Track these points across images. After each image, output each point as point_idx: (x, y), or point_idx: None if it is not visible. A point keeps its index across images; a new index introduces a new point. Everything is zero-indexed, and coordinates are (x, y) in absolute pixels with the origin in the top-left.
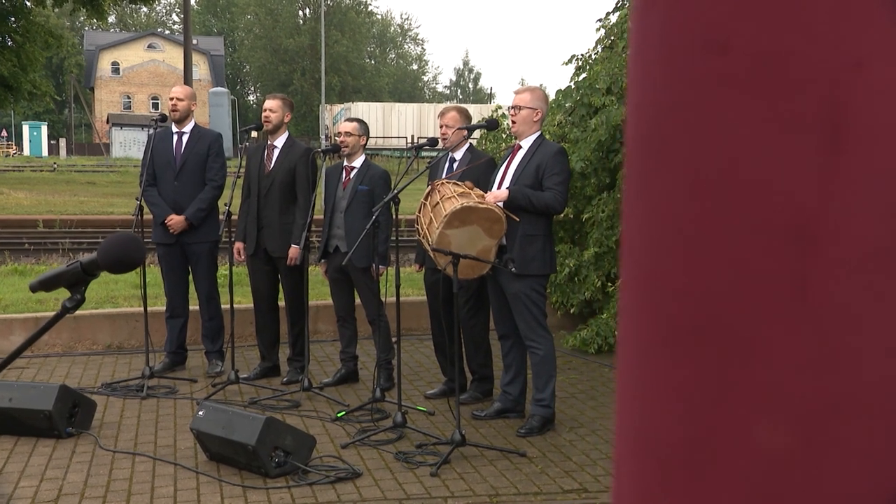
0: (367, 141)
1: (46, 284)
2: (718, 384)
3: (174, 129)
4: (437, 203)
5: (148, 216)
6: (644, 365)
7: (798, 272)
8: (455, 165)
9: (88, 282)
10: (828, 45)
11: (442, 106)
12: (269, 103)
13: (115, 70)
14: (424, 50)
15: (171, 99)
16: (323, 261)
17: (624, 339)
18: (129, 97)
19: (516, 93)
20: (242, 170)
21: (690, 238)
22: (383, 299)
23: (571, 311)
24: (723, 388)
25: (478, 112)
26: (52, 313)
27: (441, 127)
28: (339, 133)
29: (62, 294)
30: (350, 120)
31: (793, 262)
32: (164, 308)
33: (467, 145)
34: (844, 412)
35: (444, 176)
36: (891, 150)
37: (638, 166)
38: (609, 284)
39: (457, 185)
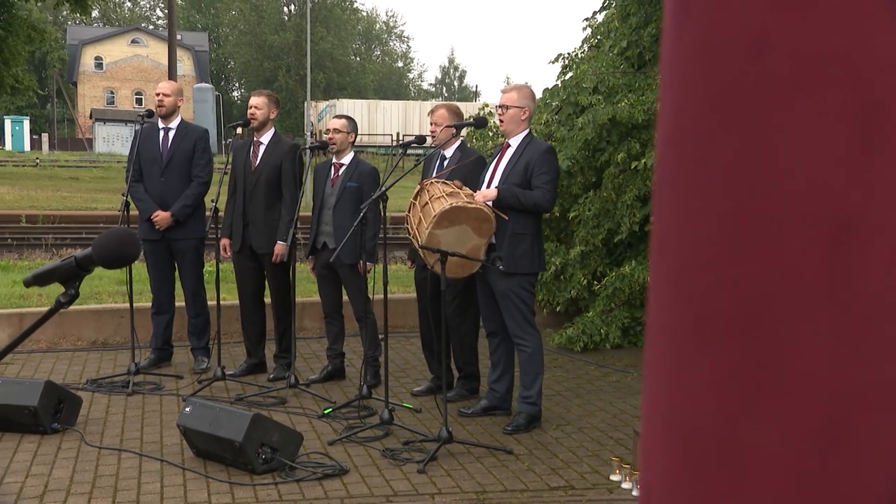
0: (355, 138)
1: (41, 279)
2: (752, 375)
3: (160, 124)
4: (427, 203)
5: (134, 212)
6: (676, 356)
7: (834, 269)
8: (446, 163)
9: (82, 277)
10: (866, 45)
11: (428, 104)
12: (255, 100)
13: (99, 65)
14: (410, 47)
15: (158, 95)
16: (311, 257)
17: (655, 330)
18: (112, 92)
19: (503, 92)
20: (229, 166)
21: (726, 234)
22: (371, 296)
23: (557, 309)
24: (757, 379)
25: (463, 110)
26: (36, 309)
27: (431, 125)
28: (328, 130)
29: (48, 290)
30: (339, 117)
31: (829, 258)
32: (149, 304)
33: (458, 143)
34: (870, 408)
35: (435, 174)
36: None
37: (673, 163)
38: (595, 283)
39: (445, 184)
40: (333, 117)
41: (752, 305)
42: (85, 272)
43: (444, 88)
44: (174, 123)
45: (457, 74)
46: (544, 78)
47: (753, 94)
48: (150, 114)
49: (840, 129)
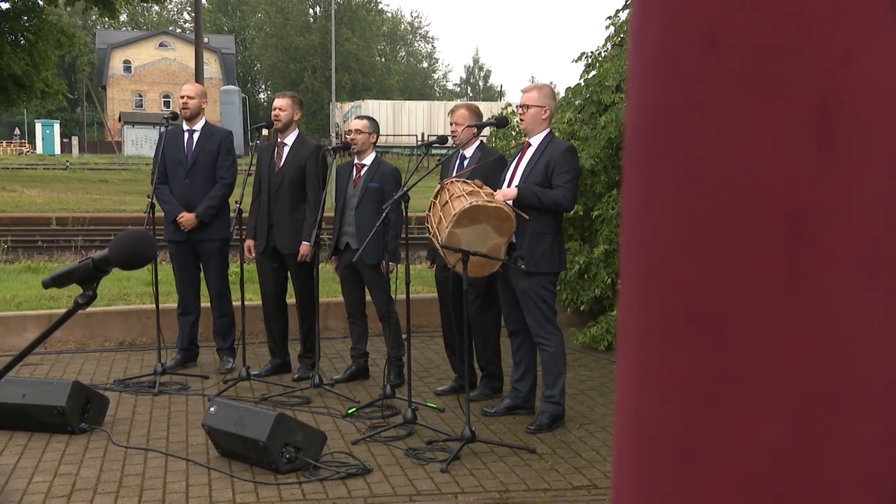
0: (377, 138)
1: (59, 281)
2: (714, 377)
3: (185, 126)
4: (447, 202)
5: (159, 213)
6: (641, 357)
7: (792, 265)
8: (465, 163)
9: (100, 278)
10: (818, 39)
11: (453, 104)
12: (279, 101)
13: (127, 68)
14: (435, 48)
15: (182, 97)
16: (334, 257)
17: (623, 332)
18: (140, 95)
19: (523, 91)
20: (253, 168)
21: (687, 231)
22: (393, 296)
23: (581, 308)
24: (718, 381)
25: (488, 109)
26: (66, 310)
27: (451, 124)
28: (350, 131)
29: (76, 291)
30: (360, 118)
31: (787, 255)
32: (175, 305)
33: (478, 143)
34: (839, 406)
35: (454, 173)
36: (882, 143)
37: (637, 161)
38: (619, 282)
39: (466, 183)
40: (354, 118)
41: (711, 305)
42: (102, 273)
43: (469, 88)
44: (199, 125)
45: (482, 74)
46: (568, 77)
47: (709, 89)
48: (174, 116)
49: (795, 124)
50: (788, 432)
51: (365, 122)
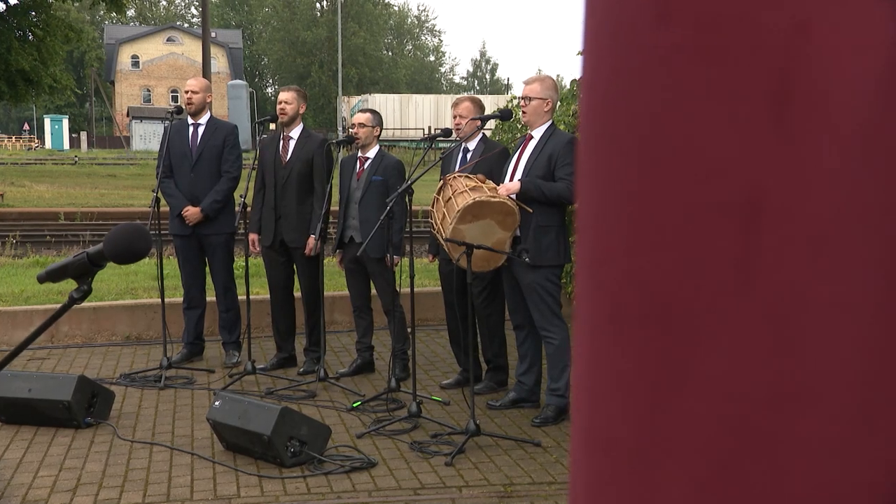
0: (380, 132)
1: (53, 275)
2: (664, 373)
3: (190, 121)
4: (450, 198)
5: (165, 208)
6: (592, 354)
7: (746, 253)
8: (469, 156)
9: (95, 272)
10: (772, 7)
11: (457, 97)
12: (284, 95)
13: (135, 63)
14: (441, 41)
15: (186, 92)
16: (338, 251)
17: (576, 327)
18: (148, 90)
19: (526, 83)
20: (256, 162)
21: (635, 218)
22: (398, 289)
23: None
24: (668, 378)
25: (493, 103)
26: (61, 305)
27: (455, 117)
28: (353, 125)
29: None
30: (363, 111)
31: (740, 242)
32: (181, 299)
33: (481, 136)
34: (794, 404)
35: (457, 166)
36: (840, 119)
37: (588, 142)
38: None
39: (469, 178)
40: (357, 111)
41: (660, 297)
42: (97, 268)
43: (476, 82)
44: (203, 119)
45: (488, 67)
46: (575, 69)
47: (659, 66)
48: (179, 110)
49: (750, 101)
50: (741, 432)
51: (368, 115)
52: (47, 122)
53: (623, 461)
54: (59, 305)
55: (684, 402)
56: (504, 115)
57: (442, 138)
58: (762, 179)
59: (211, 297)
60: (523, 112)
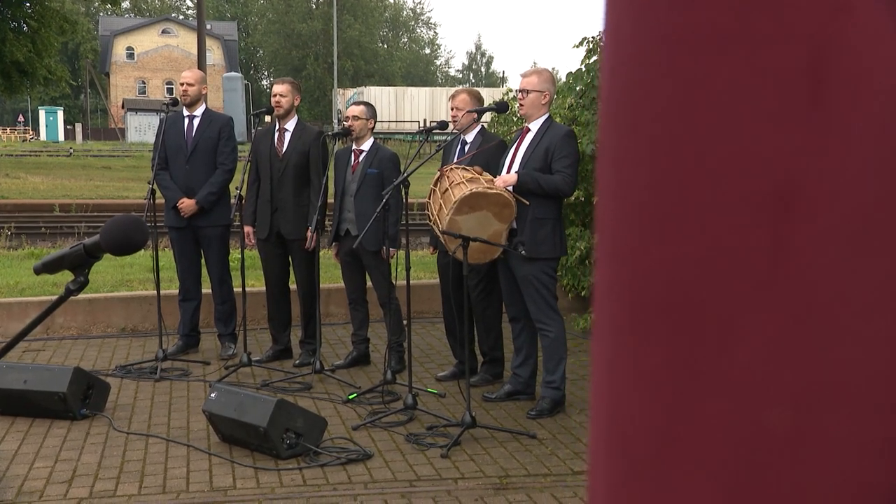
0: (374, 124)
1: (50, 266)
2: (689, 370)
3: (185, 112)
4: (447, 189)
5: (160, 200)
6: (614, 350)
7: (778, 245)
8: (466, 148)
9: (91, 264)
10: None
11: (454, 90)
12: (279, 87)
13: (130, 55)
14: (437, 34)
15: (182, 83)
16: (334, 244)
17: (597, 322)
18: (143, 82)
19: (523, 76)
20: (252, 154)
21: (658, 209)
22: (394, 282)
23: (582, 293)
24: (694, 374)
25: (489, 95)
26: (58, 296)
27: (452, 109)
28: (347, 117)
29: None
30: (357, 103)
31: (770, 234)
32: (177, 291)
33: (479, 128)
34: (828, 404)
35: (455, 158)
36: (878, 104)
37: (609, 131)
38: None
39: (465, 170)
40: (352, 104)
41: (686, 291)
42: (94, 259)
43: (472, 74)
44: (199, 111)
45: (484, 60)
46: (570, 62)
47: (681, 49)
48: (174, 102)
49: (782, 84)
50: (769, 433)
51: (362, 107)
52: (42, 113)
53: (645, 464)
54: (54, 297)
55: (709, 402)
56: (500, 107)
57: (438, 131)
58: (794, 168)
59: (206, 289)
60: (520, 105)
